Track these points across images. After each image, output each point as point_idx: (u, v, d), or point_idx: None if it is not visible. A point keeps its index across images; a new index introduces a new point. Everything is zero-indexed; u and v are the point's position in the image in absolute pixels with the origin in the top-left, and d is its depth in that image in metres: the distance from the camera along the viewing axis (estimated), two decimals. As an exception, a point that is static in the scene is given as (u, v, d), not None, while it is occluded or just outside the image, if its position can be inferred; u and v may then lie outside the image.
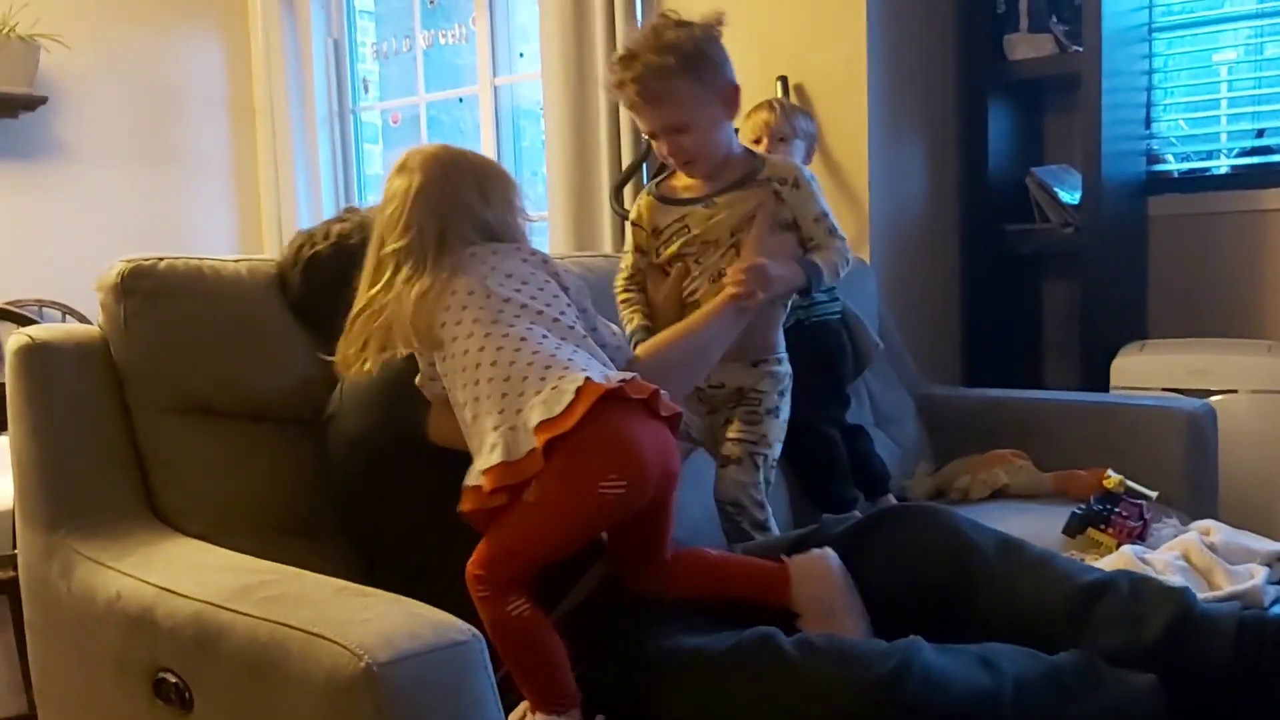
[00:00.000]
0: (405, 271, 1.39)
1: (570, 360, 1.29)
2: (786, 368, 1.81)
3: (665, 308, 1.75)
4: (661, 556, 1.37)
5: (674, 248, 1.76)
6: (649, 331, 1.73)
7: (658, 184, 1.81)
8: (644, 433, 1.27)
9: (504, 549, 1.22)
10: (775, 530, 1.76)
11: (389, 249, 1.40)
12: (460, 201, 1.43)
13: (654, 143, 1.73)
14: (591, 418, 1.20)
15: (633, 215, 1.82)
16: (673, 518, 1.36)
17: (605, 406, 1.22)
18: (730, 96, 1.68)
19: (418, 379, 1.40)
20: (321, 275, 1.60)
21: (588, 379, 1.23)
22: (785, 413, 1.81)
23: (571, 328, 1.37)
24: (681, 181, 1.77)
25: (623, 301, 1.81)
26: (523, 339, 1.31)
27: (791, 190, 1.72)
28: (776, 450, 1.80)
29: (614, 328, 1.54)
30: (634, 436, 1.25)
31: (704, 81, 1.64)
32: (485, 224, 1.44)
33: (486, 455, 1.23)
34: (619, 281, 1.83)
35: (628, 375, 1.30)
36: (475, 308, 1.35)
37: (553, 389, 1.24)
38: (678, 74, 1.61)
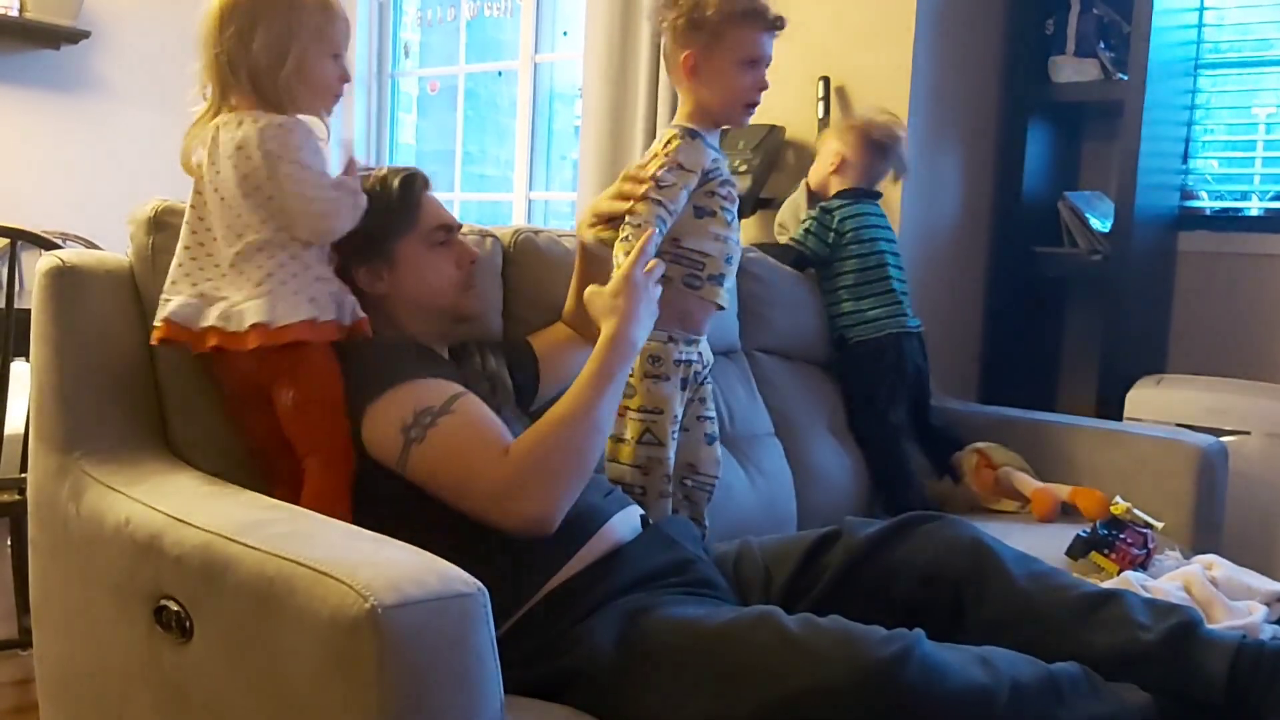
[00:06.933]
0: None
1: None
2: None
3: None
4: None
5: (716, 193, 1.69)
6: None
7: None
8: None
9: None
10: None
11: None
12: (243, 41, 1.47)
13: (747, 74, 1.66)
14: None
15: (689, 162, 1.65)
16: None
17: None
18: None
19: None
20: None
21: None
22: None
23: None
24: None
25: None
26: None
27: None
28: None
29: None
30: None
31: None
32: (260, 82, 1.49)
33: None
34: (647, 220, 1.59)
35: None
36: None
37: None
38: None
